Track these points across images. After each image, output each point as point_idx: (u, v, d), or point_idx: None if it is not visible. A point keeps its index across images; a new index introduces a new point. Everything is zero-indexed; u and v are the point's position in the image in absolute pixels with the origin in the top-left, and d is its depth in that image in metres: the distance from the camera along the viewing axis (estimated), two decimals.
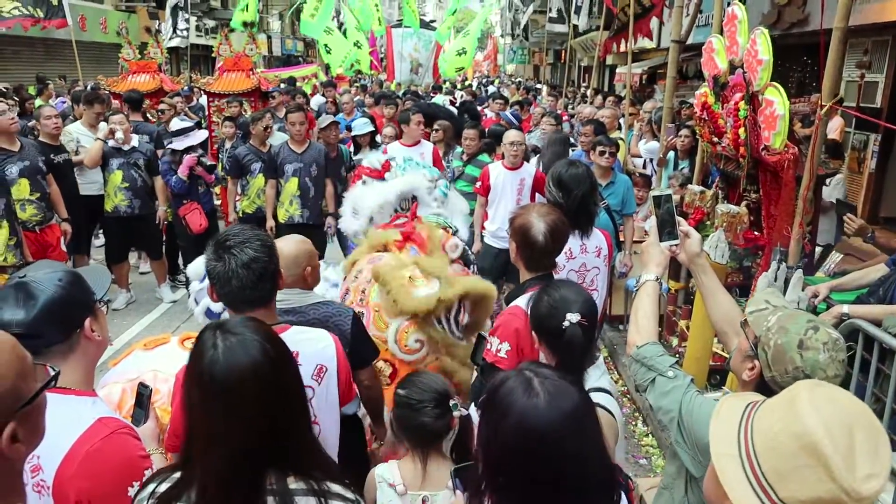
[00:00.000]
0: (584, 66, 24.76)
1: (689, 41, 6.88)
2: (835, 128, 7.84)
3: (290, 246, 2.56)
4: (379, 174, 4.87)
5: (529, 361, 1.42)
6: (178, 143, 6.23)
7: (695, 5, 6.19)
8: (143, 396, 1.95)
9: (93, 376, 1.76)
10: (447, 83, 19.69)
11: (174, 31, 16.24)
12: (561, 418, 1.25)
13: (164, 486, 1.43)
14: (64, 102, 10.98)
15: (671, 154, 6.56)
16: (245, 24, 15.47)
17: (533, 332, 2.08)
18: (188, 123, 6.51)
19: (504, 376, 1.36)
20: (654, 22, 10.06)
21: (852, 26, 8.08)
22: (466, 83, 19.30)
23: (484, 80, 29.79)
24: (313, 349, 2.06)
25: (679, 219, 2.14)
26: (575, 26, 17.26)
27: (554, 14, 18.74)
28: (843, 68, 9.34)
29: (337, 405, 2.14)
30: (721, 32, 4.87)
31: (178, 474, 1.43)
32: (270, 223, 6.05)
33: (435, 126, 6.98)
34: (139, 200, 6.30)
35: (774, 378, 1.66)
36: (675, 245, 2.13)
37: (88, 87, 10.00)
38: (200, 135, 6.49)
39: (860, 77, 8.87)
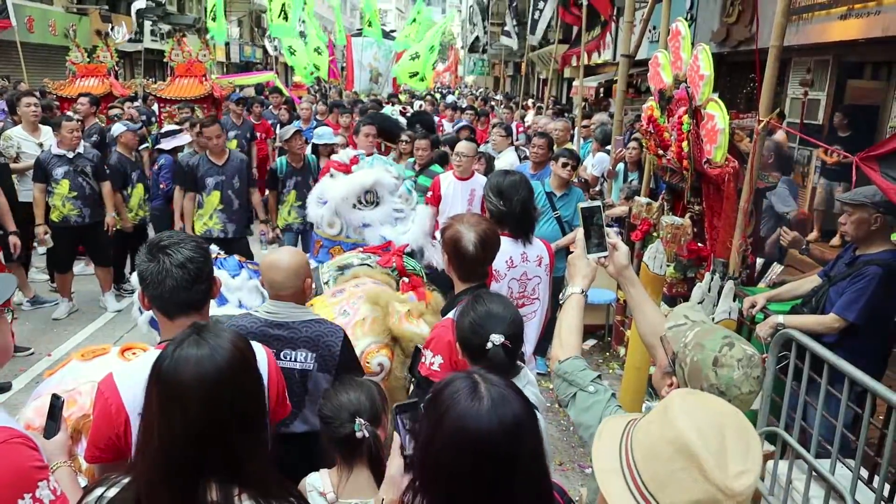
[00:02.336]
0: (542, 79, 25.07)
1: (643, 56, 7.02)
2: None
3: (288, 257, 2.55)
4: (346, 168, 4.90)
5: (477, 368, 1.41)
6: (167, 144, 6.30)
7: (643, 21, 6.31)
8: (54, 408, 1.88)
9: None
10: (405, 93, 19.69)
11: (137, 34, 15.78)
12: (499, 426, 1.25)
13: (112, 491, 1.42)
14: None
15: (620, 166, 6.66)
16: (198, 30, 15.26)
17: (457, 345, 2.08)
18: (134, 127, 6.42)
19: (453, 377, 1.36)
20: (608, 35, 10.29)
21: (795, 46, 8.41)
22: (424, 94, 19.28)
23: (444, 91, 29.93)
24: None
25: (607, 230, 2.12)
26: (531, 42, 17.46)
27: (508, 28, 18.90)
28: (788, 86, 9.69)
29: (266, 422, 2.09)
30: (667, 48, 4.98)
31: (126, 479, 1.43)
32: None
33: (403, 137, 6.96)
34: (89, 209, 6.13)
35: None
36: (604, 257, 2.10)
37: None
38: (186, 137, 6.59)
39: (804, 94, 9.15)
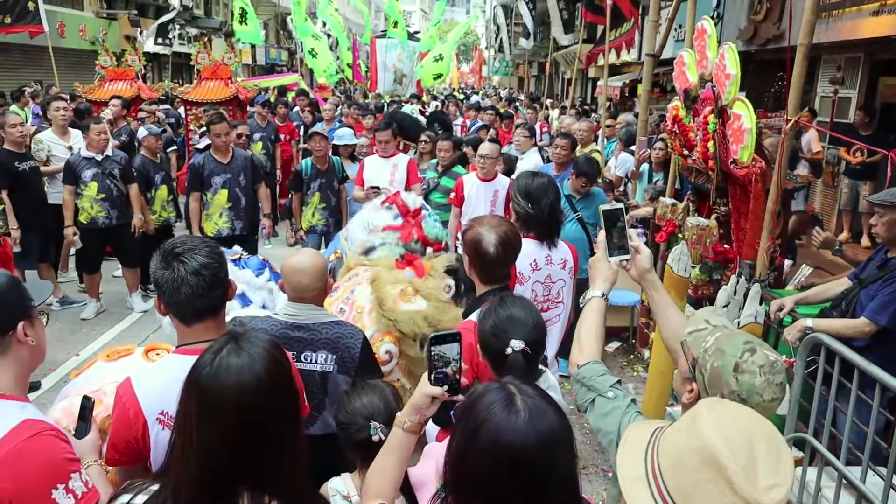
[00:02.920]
0: (567, 79, 24.94)
1: (668, 55, 6.94)
2: (812, 140, 7.92)
3: (311, 260, 2.56)
4: (406, 212, 4.67)
5: (511, 377, 1.37)
6: (202, 143, 6.43)
7: (668, 19, 6.24)
8: (85, 409, 1.91)
9: (26, 383, 1.73)
10: (428, 94, 19.70)
11: (162, 39, 15.98)
12: (537, 439, 1.22)
13: (140, 498, 1.42)
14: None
15: (645, 166, 6.59)
16: (225, 34, 15.42)
17: (478, 347, 2.06)
18: (156, 130, 6.52)
19: (487, 387, 1.33)
20: (635, 33, 10.18)
21: (825, 43, 8.27)
22: (447, 94, 19.28)
23: (468, 91, 29.94)
24: None
25: (630, 232, 2.08)
26: (554, 39, 17.37)
27: (529, 28, 18.79)
28: (818, 84, 9.53)
29: None
30: (692, 46, 4.91)
31: (155, 486, 1.42)
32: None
33: (423, 137, 6.97)
34: (116, 211, 6.22)
35: None
36: (626, 260, 2.06)
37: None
38: None
39: (834, 93, 8.99)
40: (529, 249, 3.10)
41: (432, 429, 2.43)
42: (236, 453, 1.35)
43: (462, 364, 1.62)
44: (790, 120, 3.85)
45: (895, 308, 3.15)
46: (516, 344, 1.91)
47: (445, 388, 1.60)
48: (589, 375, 1.84)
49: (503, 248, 2.43)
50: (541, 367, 2.17)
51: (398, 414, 1.70)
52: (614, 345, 5.91)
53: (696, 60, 4.69)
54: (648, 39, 6.31)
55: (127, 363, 2.67)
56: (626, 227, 2.07)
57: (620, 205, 2.11)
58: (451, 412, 1.37)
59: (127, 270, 6.65)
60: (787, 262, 4.99)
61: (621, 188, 7.47)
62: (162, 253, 1.94)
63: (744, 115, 3.96)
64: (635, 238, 2.09)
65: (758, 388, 1.55)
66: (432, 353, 1.59)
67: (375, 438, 2.05)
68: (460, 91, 29.57)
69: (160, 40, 15.65)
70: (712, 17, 11.60)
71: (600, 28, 11.97)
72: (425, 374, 1.63)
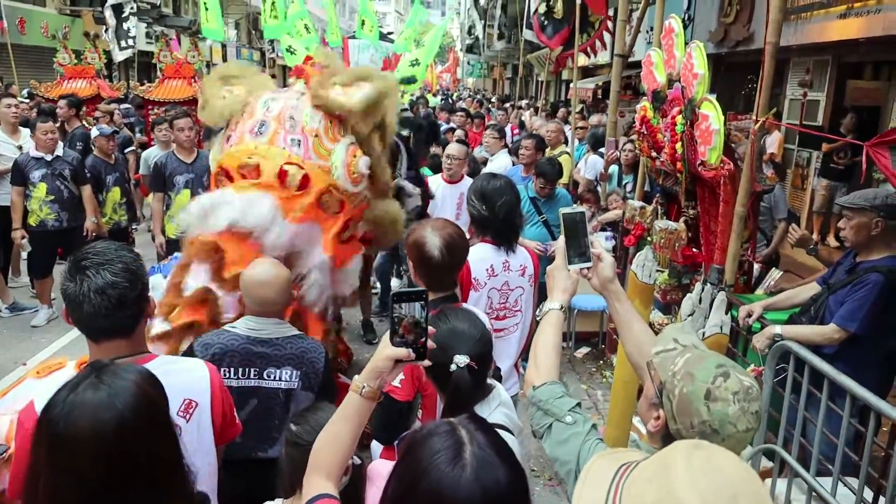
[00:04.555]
0: (540, 81, 24.93)
1: (640, 58, 6.85)
2: (772, 142, 7.92)
3: (276, 272, 2.41)
4: None
5: (466, 416, 1.22)
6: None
7: (637, 19, 6.15)
8: None
9: None
10: (405, 95, 19.51)
11: (121, 42, 15.46)
12: (482, 499, 1.08)
13: None
14: None
15: (615, 168, 6.50)
16: (194, 33, 15.05)
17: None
18: (107, 131, 6.29)
19: (435, 429, 1.18)
20: (606, 36, 10.11)
21: (794, 46, 8.25)
22: (418, 97, 19.10)
23: (445, 94, 29.81)
24: (181, 381, 1.82)
25: (592, 239, 1.91)
26: (529, 41, 17.29)
27: (498, 31, 18.71)
28: (787, 87, 9.53)
29: (212, 446, 1.90)
30: (660, 46, 4.81)
31: None
32: (160, 239, 5.65)
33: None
34: (67, 213, 5.97)
35: (679, 431, 1.45)
36: (587, 268, 1.89)
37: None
38: None
39: (803, 95, 9.00)
40: (486, 254, 2.96)
41: (375, 447, 2.28)
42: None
43: (427, 326, 1.46)
44: (758, 120, 3.75)
45: (865, 314, 3.07)
46: (460, 359, 1.76)
47: (410, 351, 1.45)
48: (545, 398, 1.67)
49: (448, 253, 2.27)
50: (492, 381, 2.03)
51: (355, 378, 1.53)
52: (583, 350, 5.80)
53: (663, 60, 4.59)
54: (618, 40, 6.21)
55: (58, 378, 2.48)
56: (587, 233, 1.90)
57: (582, 208, 1.94)
58: (396, 441, 1.23)
59: None
60: (756, 266, 4.91)
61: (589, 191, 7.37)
62: (71, 261, 1.76)
63: (711, 115, 3.85)
64: (597, 245, 1.92)
65: (731, 418, 1.39)
66: (394, 311, 1.44)
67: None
68: (436, 93, 29.37)
69: (123, 43, 15.15)
70: (683, 19, 11.65)
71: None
72: (386, 335, 1.47)
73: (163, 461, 1.28)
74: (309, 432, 1.97)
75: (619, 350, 4.16)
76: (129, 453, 1.21)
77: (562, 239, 1.88)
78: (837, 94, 8.70)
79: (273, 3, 13.68)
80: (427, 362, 1.48)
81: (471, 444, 1.13)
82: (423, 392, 2.13)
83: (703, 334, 3.21)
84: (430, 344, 1.48)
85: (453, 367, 1.76)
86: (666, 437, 1.50)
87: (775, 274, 5.03)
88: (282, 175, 3.02)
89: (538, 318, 1.91)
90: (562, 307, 1.85)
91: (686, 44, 4.29)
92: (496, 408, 1.96)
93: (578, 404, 1.69)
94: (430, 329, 1.49)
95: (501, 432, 1.90)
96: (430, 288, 2.36)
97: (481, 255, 2.95)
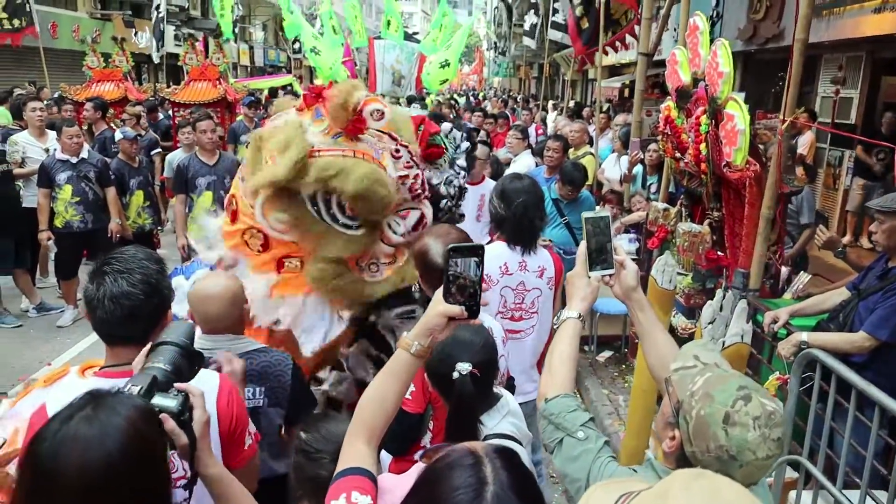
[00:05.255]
0: (567, 80, 24.75)
1: (666, 56, 6.73)
2: (804, 143, 7.72)
3: (222, 284, 2.25)
4: None
5: (494, 449, 1.15)
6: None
7: (662, 17, 6.03)
8: None
9: None
10: (430, 95, 19.53)
11: (160, 44, 15.64)
12: None
13: None
14: None
15: (639, 169, 6.39)
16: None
17: (425, 375, 1.86)
18: (130, 134, 6.36)
19: (458, 460, 1.11)
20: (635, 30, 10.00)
21: (826, 42, 8.05)
22: (448, 97, 19.09)
23: (471, 93, 29.82)
24: None
25: (616, 245, 1.81)
26: (553, 41, 17.17)
27: (527, 27, 18.50)
28: (819, 84, 9.31)
29: (219, 462, 1.87)
30: (686, 45, 4.71)
31: None
32: (182, 241, 5.63)
33: None
34: (92, 215, 6.04)
35: (695, 454, 1.38)
36: (609, 275, 1.79)
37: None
38: None
39: (835, 93, 8.78)
40: (500, 252, 2.93)
41: (385, 457, 2.24)
42: None
43: (482, 283, 1.41)
44: (785, 120, 3.64)
45: None
46: (463, 367, 1.72)
47: (463, 309, 1.40)
48: (557, 411, 1.60)
49: None
50: (500, 390, 1.98)
51: (405, 335, 1.49)
52: (606, 354, 5.71)
53: (688, 59, 4.49)
54: (643, 38, 6.10)
55: (63, 385, 2.47)
56: (611, 238, 1.80)
57: (606, 212, 1.84)
58: (416, 451, 1.17)
59: None
60: (784, 270, 4.77)
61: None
62: (97, 264, 1.76)
63: (737, 115, 3.75)
64: (621, 251, 1.82)
65: (750, 444, 1.31)
66: (449, 266, 1.39)
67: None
68: (462, 93, 29.38)
69: (160, 44, 15.37)
70: (711, 17, 11.46)
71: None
72: (439, 291, 1.42)
73: (149, 497, 1.24)
74: (319, 441, 1.93)
75: (639, 358, 4.07)
76: (114, 492, 1.17)
77: (583, 244, 1.79)
78: (871, 91, 8.47)
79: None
80: (480, 320, 1.44)
81: (493, 484, 1.06)
82: (435, 404, 2.08)
83: (724, 343, 3.12)
84: (484, 300, 1.43)
85: (455, 374, 1.72)
86: (681, 458, 1.45)
87: (804, 277, 4.89)
88: (228, 201, 2.81)
89: (555, 326, 1.85)
90: (580, 316, 1.77)
91: (711, 41, 4.19)
92: (504, 416, 1.91)
93: (592, 419, 1.63)
94: (485, 285, 1.43)
95: (509, 442, 1.87)
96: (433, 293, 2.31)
97: (496, 253, 2.92)
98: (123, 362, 1.72)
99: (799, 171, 7.45)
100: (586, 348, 5.85)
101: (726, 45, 3.94)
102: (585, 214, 1.79)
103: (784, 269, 4.84)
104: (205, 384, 1.87)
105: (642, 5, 6.43)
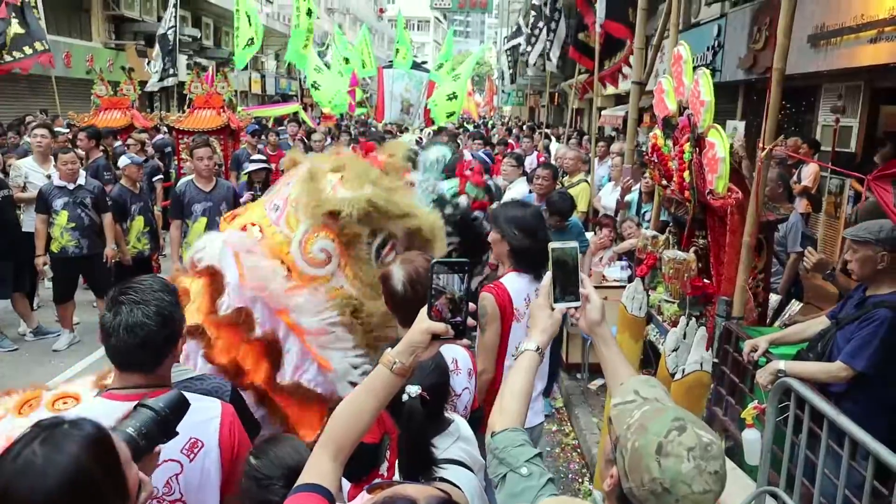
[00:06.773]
0: (575, 109, 24.90)
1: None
2: (808, 174, 7.68)
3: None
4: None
5: (439, 497, 1.14)
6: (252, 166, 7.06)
7: (653, 47, 6.10)
8: None
9: None
10: (435, 126, 19.72)
11: (170, 70, 15.85)
12: None
13: None
14: None
15: (634, 196, 6.40)
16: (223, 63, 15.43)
17: None
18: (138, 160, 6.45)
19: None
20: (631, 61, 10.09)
21: (825, 71, 8.06)
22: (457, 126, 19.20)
23: (478, 122, 30.01)
24: (190, 419, 1.74)
25: (582, 277, 1.76)
26: (553, 73, 17.34)
27: (532, 59, 18.70)
28: (819, 113, 9.31)
29: (215, 490, 1.87)
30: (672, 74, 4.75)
31: None
32: (177, 265, 5.74)
33: None
34: (87, 240, 6.11)
35: (632, 491, 1.33)
36: (575, 307, 1.74)
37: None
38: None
39: (835, 122, 8.78)
40: (521, 285, 2.94)
41: (344, 483, 2.23)
42: None
43: (468, 301, 1.37)
44: (765, 148, 3.65)
45: (872, 352, 2.91)
46: (411, 389, 1.72)
47: (449, 327, 1.36)
48: (502, 446, 1.55)
49: (411, 286, 2.23)
50: (451, 415, 1.97)
51: (388, 351, 1.46)
52: (597, 382, 5.66)
53: (674, 87, 4.52)
54: (636, 67, 6.16)
55: (36, 416, 2.48)
56: (578, 269, 1.75)
57: (574, 243, 1.79)
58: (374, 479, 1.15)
59: (101, 301, 6.51)
60: (774, 298, 4.74)
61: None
62: (115, 291, 1.84)
63: (717, 143, 3.77)
64: (587, 284, 1.78)
65: (684, 476, 1.27)
66: (432, 281, 1.36)
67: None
68: (477, 124, 29.57)
69: (172, 71, 15.56)
70: (713, 47, 11.52)
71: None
72: (424, 309, 1.39)
73: None
74: (268, 466, 1.92)
75: (608, 397, 4.05)
76: None
77: (548, 275, 1.75)
78: (871, 119, 8.46)
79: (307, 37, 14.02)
80: (466, 341, 1.41)
81: None
82: (391, 434, 2.08)
83: (684, 371, 3.09)
84: (470, 322, 1.40)
85: (405, 396, 1.72)
86: (620, 497, 1.39)
87: (794, 306, 4.85)
88: (243, 229, 2.93)
89: (514, 356, 1.81)
90: (538, 349, 1.71)
91: (694, 70, 4.23)
92: (454, 442, 1.90)
93: (539, 455, 1.58)
94: (471, 305, 1.39)
95: (459, 468, 1.85)
96: (401, 322, 2.31)
97: (518, 286, 2.91)
98: (130, 386, 1.81)
99: (804, 202, 7.44)
100: (578, 376, 5.82)
101: (707, 75, 3.98)
102: (552, 245, 1.75)
103: (774, 298, 4.81)
104: (206, 413, 1.90)
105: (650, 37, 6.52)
